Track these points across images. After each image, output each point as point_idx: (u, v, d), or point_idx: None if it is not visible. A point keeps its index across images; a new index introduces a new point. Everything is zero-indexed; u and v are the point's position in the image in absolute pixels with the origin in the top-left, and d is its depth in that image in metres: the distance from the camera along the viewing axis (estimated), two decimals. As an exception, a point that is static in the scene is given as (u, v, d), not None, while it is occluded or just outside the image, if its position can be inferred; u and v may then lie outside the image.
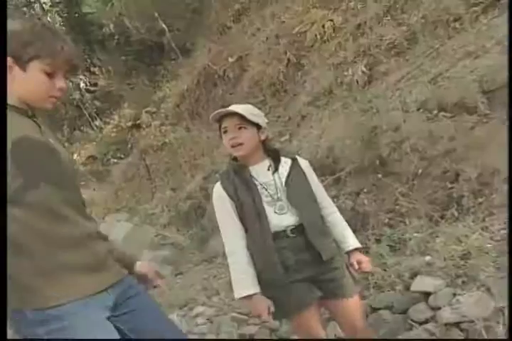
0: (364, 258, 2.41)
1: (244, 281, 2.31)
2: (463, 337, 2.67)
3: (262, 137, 2.36)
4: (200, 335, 4.33)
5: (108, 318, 1.69)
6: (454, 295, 2.82)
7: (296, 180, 2.35)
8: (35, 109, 1.75)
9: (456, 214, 3.46)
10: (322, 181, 4.41)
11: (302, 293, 2.33)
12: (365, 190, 4.10)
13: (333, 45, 5.91)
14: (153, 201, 8.51)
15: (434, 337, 2.76)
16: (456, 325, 2.71)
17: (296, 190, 2.33)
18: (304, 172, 2.39)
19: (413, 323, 2.90)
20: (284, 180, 2.33)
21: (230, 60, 8.12)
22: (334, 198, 4.31)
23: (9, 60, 1.64)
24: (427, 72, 4.29)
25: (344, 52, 5.61)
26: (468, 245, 3.03)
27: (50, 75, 1.68)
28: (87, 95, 12.50)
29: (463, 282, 2.86)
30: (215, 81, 8.54)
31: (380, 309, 3.12)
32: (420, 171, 3.74)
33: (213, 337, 4.17)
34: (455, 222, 3.38)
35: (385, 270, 3.40)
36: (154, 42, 10.00)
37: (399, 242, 3.58)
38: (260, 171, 2.35)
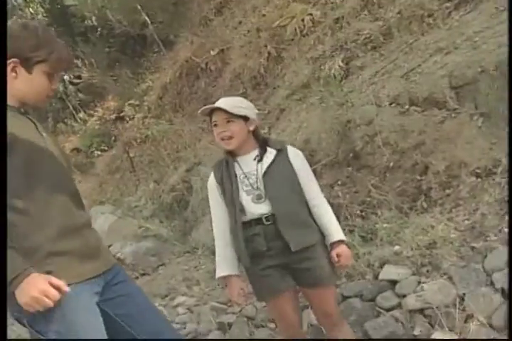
0: (343, 252, 2.44)
1: (220, 263, 2.50)
2: (427, 322, 2.81)
3: (251, 128, 2.46)
4: (181, 324, 4.44)
5: (96, 303, 1.80)
6: (419, 283, 2.96)
7: (277, 170, 2.43)
8: (29, 107, 1.86)
9: (424, 205, 3.59)
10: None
11: (274, 280, 2.46)
12: (339, 183, 4.21)
13: (312, 39, 5.99)
14: (137, 193, 8.56)
15: (399, 324, 2.89)
16: (420, 311, 2.84)
17: (275, 180, 2.41)
18: (290, 163, 2.45)
19: (381, 310, 3.02)
20: (264, 170, 2.42)
21: (212, 52, 8.17)
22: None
23: (15, 61, 1.74)
24: (401, 67, 4.40)
25: (322, 46, 5.70)
26: (434, 235, 3.15)
27: (50, 77, 1.80)
28: (71, 87, 12.45)
29: (427, 271, 2.99)
30: (198, 74, 8.58)
31: (350, 297, 3.24)
32: (392, 164, 3.85)
33: (194, 326, 4.28)
34: (423, 213, 3.50)
35: (356, 260, 3.51)
36: (137, 35, 10.01)
37: (370, 233, 3.69)
38: (246, 161, 2.47)
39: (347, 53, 5.21)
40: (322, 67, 5.44)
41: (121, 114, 10.01)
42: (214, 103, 2.49)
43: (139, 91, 9.90)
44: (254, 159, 2.46)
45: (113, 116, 10.34)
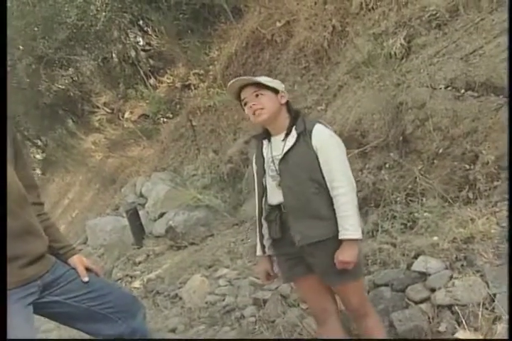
0: (341, 255, 2.20)
1: (257, 243, 2.50)
2: (454, 320, 2.71)
3: (282, 101, 2.37)
4: (220, 296, 4.54)
5: (37, 299, 1.94)
6: (451, 278, 2.85)
7: (295, 155, 2.28)
8: None
9: (470, 196, 3.43)
10: (348, 154, 4.41)
11: (285, 268, 2.46)
12: (386, 166, 4.09)
13: (376, 14, 5.76)
14: (197, 162, 8.69)
15: (426, 317, 2.81)
16: (449, 307, 2.75)
17: (291, 166, 2.28)
18: (311, 148, 2.26)
19: (409, 302, 2.94)
20: (282, 155, 2.31)
21: (278, 24, 8.03)
22: (359, 172, 4.34)
23: None
24: (462, 47, 4.16)
25: (386, 22, 5.47)
26: (474, 229, 3.02)
27: None
28: (142, 53, 12.64)
29: (462, 265, 2.88)
30: (263, 45, 8.49)
31: (381, 285, 3.17)
32: (441, 151, 3.70)
33: (232, 299, 4.36)
34: (467, 205, 3.36)
35: (394, 247, 3.44)
36: (207, 4, 9.95)
37: (411, 220, 3.59)
38: (277, 143, 2.37)
39: (410, 31, 4.97)
40: (384, 44, 5.23)
41: (187, 83, 10.09)
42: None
43: (205, 60, 9.91)
44: (282, 140, 2.33)
45: (178, 85, 10.44)
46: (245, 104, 2.38)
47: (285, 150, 2.29)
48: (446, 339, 2.66)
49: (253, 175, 2.54)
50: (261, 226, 2.46)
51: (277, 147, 2.35)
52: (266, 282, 2.65)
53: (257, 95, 2.32)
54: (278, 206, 2.34)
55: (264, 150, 2.43)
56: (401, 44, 4.94)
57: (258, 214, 2.47)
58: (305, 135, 2.28)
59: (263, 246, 2.46)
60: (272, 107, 2.32)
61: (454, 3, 4.78)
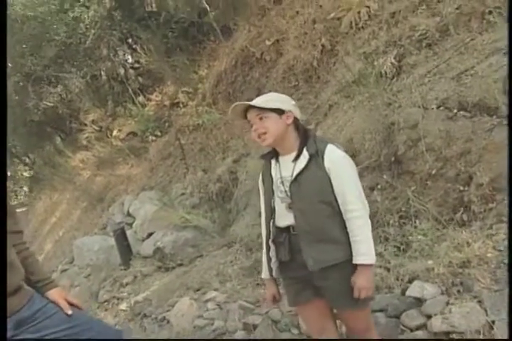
0: (359, 281, 2.14)
1: (263, 265, 2.44)
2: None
3: (288, 121, 2.28)
4: (209, 320, 4.42)
5: (12, 336, 1.84)
6: (447, 303, 2.77)
7: (308, 177, 2.21)
8: None
9: (465, 218, 3.37)
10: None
11: (292, 292, 2.40)
12: (379, 187, 4.03)
13: (366, 33, 5.76)
14: (185, 181, 8.59)
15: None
16: (446, 334, 2.66)
17: (303, 188, 2.22)
18: (324, 169, 2.19)
19: (405, 329, 2.86)
20: (293, 177, 2.24)
21: (268, 42, 8.02)
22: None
23: None
24: (454, 67, 4.13)
25: (376, 41, 5.46)
26: (470, 253, 2.94)
27: None
28: (131, 71, 12.61)
29: (458, 291, 2.80)
30: (253, 63, 8.47)
31: (375, 311, 3.08)
32: (434, 172, 3.64)
33: (221, 323, 4.25)
34: (462, 227, 3.29)
35: (387, 271, 3.36)
36: (196, 22, 9.96)
37: (405, 243, 3.51)
38: (286, 163, 2.31)
39: (400, 50, 4.95)
40: (375, 63, 5.20)
41: (176, 101, 10.04)
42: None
43: (194, 78, 9.88)
44: (293, 161, 2.27)
45: (167, 103, 10.39)
46: (251, 126, 2.33)
47: (296, 171, 2.24)
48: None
49: (261, 196, 2.48)
50: (269, 248, 2.38)
51: (287, 167, 2.29)
52: (271, 305, 2.59)
53: (260, 118, 2.27)
54: (287, 228, 2.28)
55: (272, 170, 2.37)
56: (391, 63, 4.92)
57: (266, 237, 2.40)
58: (317, 156, 2.22)
59: (270, 269, 2.39)
60: (276, 130, 2.26)
61: (444, 23, 4.78)
